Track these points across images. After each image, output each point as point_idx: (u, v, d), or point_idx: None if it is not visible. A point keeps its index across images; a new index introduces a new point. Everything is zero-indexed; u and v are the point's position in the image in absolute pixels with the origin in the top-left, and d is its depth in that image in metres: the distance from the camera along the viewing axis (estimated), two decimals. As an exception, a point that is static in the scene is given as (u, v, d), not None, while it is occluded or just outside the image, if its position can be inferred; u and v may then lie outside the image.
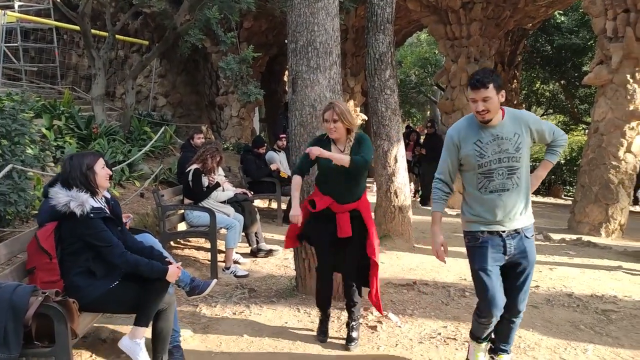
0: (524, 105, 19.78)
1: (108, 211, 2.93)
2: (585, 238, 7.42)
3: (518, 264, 2.85)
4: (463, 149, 2.80)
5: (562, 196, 16.29)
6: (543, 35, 16.10)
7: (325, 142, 3.44)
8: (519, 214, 2.80)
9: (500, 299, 2.82)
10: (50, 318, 2.34)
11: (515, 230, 2.81)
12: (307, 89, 4.18)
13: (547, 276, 5.24)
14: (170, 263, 3.00)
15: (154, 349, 2.92)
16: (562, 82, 17.08)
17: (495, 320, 2.89)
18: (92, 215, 2.75)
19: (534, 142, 2.87)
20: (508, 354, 3.11)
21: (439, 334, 3.73)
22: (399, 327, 3.83)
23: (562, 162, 18.93)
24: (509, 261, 2.84)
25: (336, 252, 3.50)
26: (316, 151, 3.28)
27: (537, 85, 18.90)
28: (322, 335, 3.62)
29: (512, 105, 15.68)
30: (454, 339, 3.64)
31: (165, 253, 3.39)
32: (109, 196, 3.06)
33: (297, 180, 3.48)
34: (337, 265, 3.57)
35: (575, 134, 21.21)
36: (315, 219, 3.49)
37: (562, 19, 15.49)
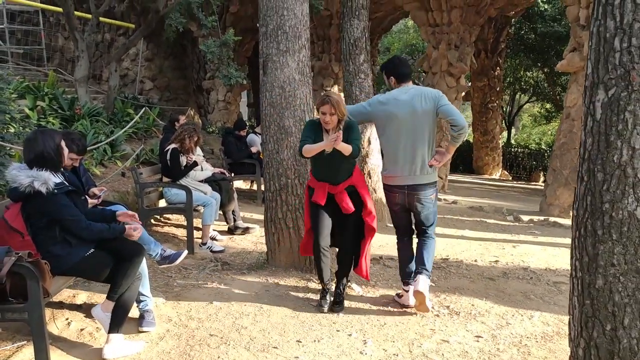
0: (508, 92, 20.02)
1: (67, 184, 3.04)
2: (553, 219, 7.71)
3: None
4: None
5: (542, 182, 16.60)
6: (527, 23, 16.31)
7: (318, 125, 3.68)
8: None
9: None
10: (23, 278, 2.55)
11: None
12: (277, 71, 4.39)
13: (509, 252, 5.51)
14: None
15: (112, 318, 3.01)
16: (545, 69, 17.32)
17: None
18: (56, 191, 2.86)
19: None
20: None
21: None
22: (361, 296, 4.08)
23: (544, 148, 19.23)
24: None
25: (336, 227, 3.75)
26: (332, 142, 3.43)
27: (521, 72, 19.14)
28: (324, 302, 3.78)
29: (494, 92, 15.95)
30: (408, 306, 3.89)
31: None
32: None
33: (307, 145, 3.57)
34: (336, 238, 3.80)
35: (558, 121, 21.52)
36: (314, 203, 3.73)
37: (546, 7, 15.69)
